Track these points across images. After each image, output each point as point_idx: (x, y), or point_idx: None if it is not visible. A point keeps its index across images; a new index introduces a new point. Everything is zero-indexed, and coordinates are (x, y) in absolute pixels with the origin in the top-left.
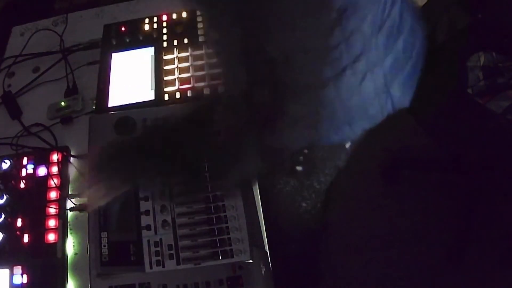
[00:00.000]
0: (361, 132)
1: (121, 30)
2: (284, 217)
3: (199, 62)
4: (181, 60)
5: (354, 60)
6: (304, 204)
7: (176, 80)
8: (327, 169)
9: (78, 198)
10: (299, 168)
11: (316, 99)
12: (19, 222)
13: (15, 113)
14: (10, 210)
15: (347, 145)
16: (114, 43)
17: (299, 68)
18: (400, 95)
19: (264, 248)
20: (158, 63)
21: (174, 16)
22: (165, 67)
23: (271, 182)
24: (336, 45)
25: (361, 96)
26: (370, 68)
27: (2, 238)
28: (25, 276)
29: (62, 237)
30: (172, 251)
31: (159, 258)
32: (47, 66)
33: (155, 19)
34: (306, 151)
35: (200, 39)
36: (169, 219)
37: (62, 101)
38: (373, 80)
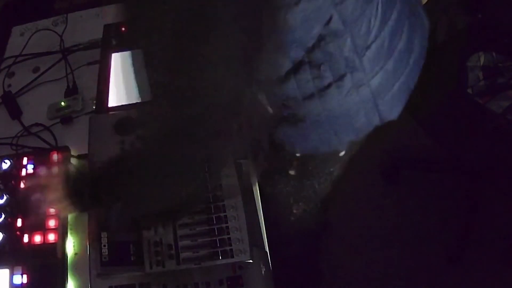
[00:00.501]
0: (348, 143)
1: (121, 30)
2: (284, 217)
3: None
4: None
5: (338, 78)
6: (302, 204)
7: None
8: (327, 168)
9: None
10: (292, 172)
11: (302, 108)
12: (19, 222)
13: (15, 113)
14: (10, 210)
15: (341, 154)
16: (114, 43)
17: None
18: (388, 110)
19: (264, 248)
20: None
21: None
22: None
23: (271, 183)
24: (318, 64)
25: (347, 109)
26: (355, 85)
27: (2, 238)
28: (25, 276)
29: (62, 237)
30: (172, 251)
31: (159, 258)
32: (47, 66)
33: None
34: (298, 154)
35: None
36: None
37: (62, 101)
38: (359, 96)
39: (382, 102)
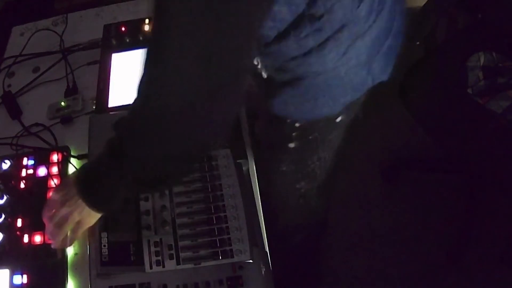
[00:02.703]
0: (342, 106)
1: (121, 30)
2: (284, 216)
3: None
4: None
5: (337, 31)
6: (305, 183)
7: None
8: (326, 136)
9: None
10: (291, 145)
11: (299, 67)
12: (19, 222)
13: (15, 113)
14: (10, 210)
15: (338, 120)
16: (114, 43)
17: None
18: (379, 70)
19: (264, 248)
20: None
21: None
22: None
23: (271, 167)
24: (319, 15)
25: (344, 68)
26: (352, 40)
27: (2, 238)
28: (25, 276)
29: None
30: (172, 251)
31: (159, 258)
32: (47, 66)
33: None
34: (297, 124)
35: None
36: (169, 219)
37: (62, 101)
38: (355, 53)
39: (375, 61)
